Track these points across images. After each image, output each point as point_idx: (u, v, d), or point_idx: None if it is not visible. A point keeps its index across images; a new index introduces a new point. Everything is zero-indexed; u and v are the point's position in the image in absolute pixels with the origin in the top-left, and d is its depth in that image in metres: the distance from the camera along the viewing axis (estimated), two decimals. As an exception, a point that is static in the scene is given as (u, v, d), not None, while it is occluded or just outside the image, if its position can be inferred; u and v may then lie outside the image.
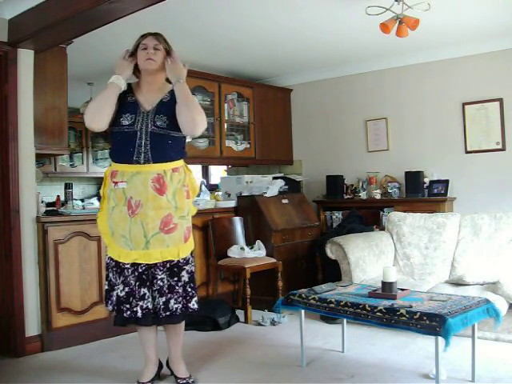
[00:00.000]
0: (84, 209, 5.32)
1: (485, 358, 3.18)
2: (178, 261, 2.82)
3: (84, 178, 7.66)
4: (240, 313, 4.44)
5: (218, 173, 7.15)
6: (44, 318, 3.70)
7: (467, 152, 5.09)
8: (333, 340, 3.73)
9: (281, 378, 3.09)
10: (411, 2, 3.65)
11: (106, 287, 2.89)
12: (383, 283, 3.08)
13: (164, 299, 2.78)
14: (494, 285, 3.64)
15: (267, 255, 4.72)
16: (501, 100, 4.89)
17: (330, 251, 4.37)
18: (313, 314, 3.80)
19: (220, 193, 5.66)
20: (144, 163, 2.71)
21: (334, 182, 5.68)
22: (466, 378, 2.93)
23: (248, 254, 4.60)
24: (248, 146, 5.80)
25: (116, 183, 2.76)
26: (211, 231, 4.74)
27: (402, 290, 3.12)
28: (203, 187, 5.61)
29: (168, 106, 2.79)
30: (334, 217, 5.67)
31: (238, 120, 5.79)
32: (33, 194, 3.76)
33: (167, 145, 2.77)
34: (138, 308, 2.77)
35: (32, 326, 3.66)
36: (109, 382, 3.10)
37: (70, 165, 7.42)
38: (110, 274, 2.85)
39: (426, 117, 5.35)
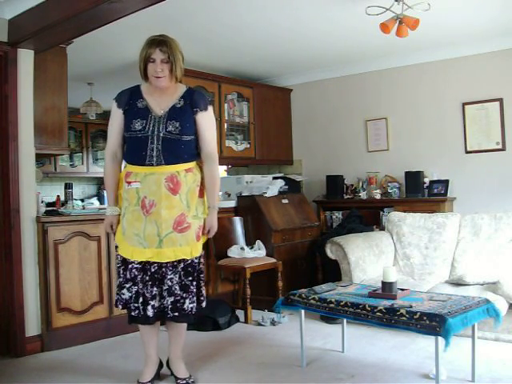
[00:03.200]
0: (84, 209, 5.31)
1: (485, 358, 3.18)
2: (192, 260, 2.85)
3: (84, 178, 7.67)
4: (240, 313, 4.44)
5: (218, 173, 7.15)
6: (44, 317, 3.70)
7: (467, 152, 5.09)
8: (333, 340, 3.73)
9: (281, 378, 3.08)
10: (411, 2, 3.65)
11: (118, 288, 2.90)
12: (383, 283, 3.08)
13: (173, 299, 2.80)
14: (494, 285, 3.64)
15: (267, 255, 4.72)
16: (501, 100, 4.88)
17: (330, 251, 4.37)
18: (313, 314, 3.80)
19: (220, 193, 5.66)
20: (157, 165, 2.74)
21: (334, 182, 5.68)
22: (465, 378, 2.93)
23: (248, 254, 4.60)
24: (248, 146, 5.81)
25: (129, 183, 2.78)
26: (211, 231, 4.74)
27: (402, 289, 3.12)
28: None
29: (180, 112, 2.79)
30: (334, 217, 5.67)
31: (238, 120, 5.79)
32: (33, 193, 3.76)
33: (180, 149, 2.78)
34: (150, 307, 2.79)
35: (32, 326, 3.66)
36: (109, 382, 3.10)
37: (70, 165, 7.42)
38: (121, 272, 2.86)
39: (425, 117, 5.35)
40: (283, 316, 4.30)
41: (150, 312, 2.79)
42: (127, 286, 2.82)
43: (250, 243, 4.88)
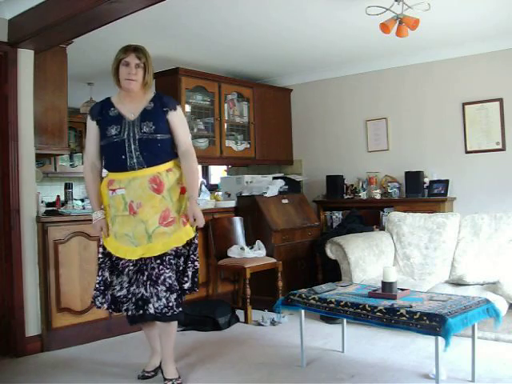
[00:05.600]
0: (84, 209, 5.30)
1: (485, 357, 3.18)
2: (185, 249, 2.95)
3: (84, 178, 7.65)
4: (240, 313, 4.44)
5: (218, 173, 7.15)
6: (44, 318, 3.70)
7: (467, 152, 5.09)
8: (333, 340, 3.73)
9: (281, 377, 3.09)
10: (411, 2, 3.65)
11: (97, 286, 2.95)
12: (383, 283, 3.09)
13: (175, 295, 2.84)
14: (494, 285, 3.64)
15: (267, 255, 4.72)
16: (501, 100, 4.88)
17: (330, 251, 4.37)
18: (313, 314, 3.80)
19: (220, 193, 5.66)
20: (139, 169, 2.82)
21: (334, 182, 5.68)
22: (466, 378, 2.93)
23: (248, 254, 4.60)
24: (248, 146, 5.80)
25: (114, 190, 2.87)
26: (211, 231, 4.74)
27: (402, 290, 3.12)
28: (203, 187, 5.61)
29: (152, 113, 2.89)
30: (334, 217, 5.67)
31: (238, 120, 5.79)
32: (33, 194, 3.76)
33: (157, 148, 2.87)
34: (151, 305, 2.84)
35: (32, 326, 3.66)
36: (109, 381, 3.10)
37: (70, 165, 7.42)
38: (107, 274, 2.93)
39: (426, 117, 5.34)
40: (283, 316, 4.30)
41: (152, 310, 2.84)
42: (116, 288, 2.93)
43: (250, 243, 4.88)
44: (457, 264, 4.14)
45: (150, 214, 2.81)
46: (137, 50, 2.86)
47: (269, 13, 4.10)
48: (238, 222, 5.00)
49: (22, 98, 3.70)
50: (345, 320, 3.43)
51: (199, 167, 7.10)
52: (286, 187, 5.48)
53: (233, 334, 4.05)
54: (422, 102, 5.36)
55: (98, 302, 2.96)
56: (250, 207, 5.06)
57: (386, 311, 2.78)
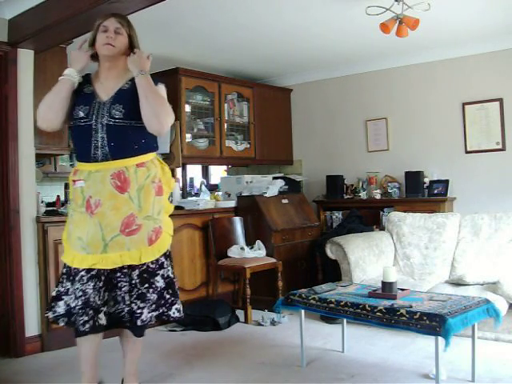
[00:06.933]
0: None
1: (485, 357, 3.18)
2: (148, 265, 2.51)
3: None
4: (240, 313, 4.44)
5: (218, 173, 7.14)
6: (44, 318, 3.69)
7: (467, 152, 5.09)
8: (333, 340, 3.73)
9: (281, 377, 3.09)
10: (411, 2, 3.65)
11: (54, 294, 2.59)
12: (383, 283, 3.09)
13: (128, 308, 2.50)
14: (494, 285, 3.64)
15: (267, 255, 4.72)
16: (501, 100, 4.88)
17: (330, 251, 4.37)
18: (313, 314, 3.80)
19: (220, 193, 5.66)
20: (102, 160, 2.45)
21: (334, 182, 5.68)
22: (466, 378, 2.93)
23: (248, 254, 4.60)
24: (248, 146, 5.80)
25: (74, 182, 2.54)
26: (211, 231, 4.74)
27: (402, 289, 3.12)
28: (203, 187, 5.61)
29: (127, 95, 2.49)
30: (334, 217, 5.66)
31: (238, 120, 5.79)
32: (33, 194, 3.76)
33: (128, 137, 2.47)
34: (102, 315, 2.49)
35: (32, 326, 3.66)
36: (109, 382, 3.09)
37: (70, 165, 7.38)
38: (67, 283, 2.54)
39: (426, 117, 5.34)
40: (283, 316, 4.30)
41: (102, 320, 2.50)
42: (71, 297, 2.51)
43: (250, 243, 4.88)
44: (457, 264, 4.15)
45: (111, 219, 2.41)
46: (118, 16, 2.53)
47: (268, 14, 4.09)
48: (237, 222, 5.00)
49: (22, 98, 3.70)
50: (345, 320, 3.43)
51: (199, 167, 7.17)
52: (286, 187, 5.48)
53: (233, 334, 4.05)
54: (422, 102, 5.36)
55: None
56: (250, 207, 5.06)
57: (386, 311, 2.78)
